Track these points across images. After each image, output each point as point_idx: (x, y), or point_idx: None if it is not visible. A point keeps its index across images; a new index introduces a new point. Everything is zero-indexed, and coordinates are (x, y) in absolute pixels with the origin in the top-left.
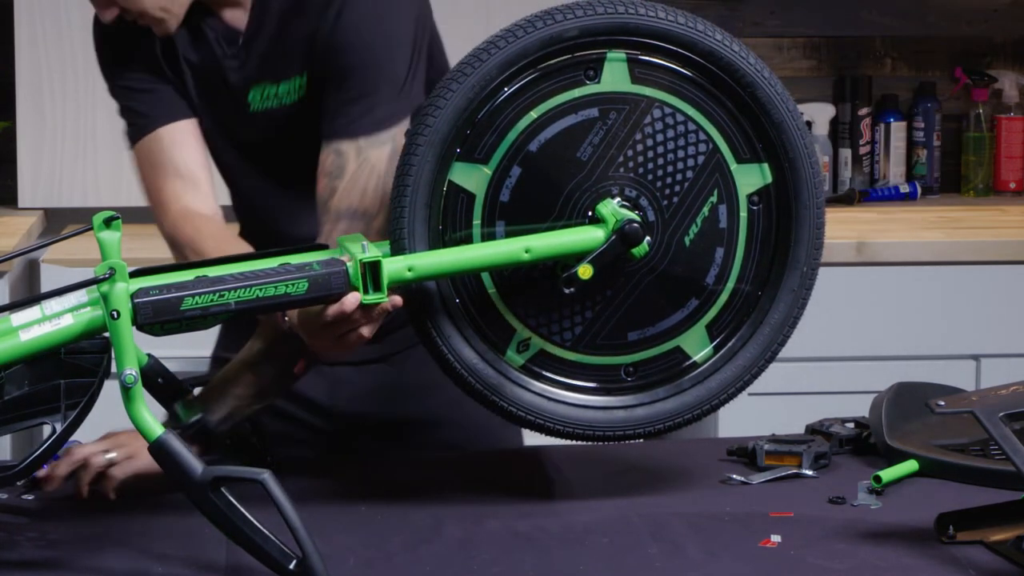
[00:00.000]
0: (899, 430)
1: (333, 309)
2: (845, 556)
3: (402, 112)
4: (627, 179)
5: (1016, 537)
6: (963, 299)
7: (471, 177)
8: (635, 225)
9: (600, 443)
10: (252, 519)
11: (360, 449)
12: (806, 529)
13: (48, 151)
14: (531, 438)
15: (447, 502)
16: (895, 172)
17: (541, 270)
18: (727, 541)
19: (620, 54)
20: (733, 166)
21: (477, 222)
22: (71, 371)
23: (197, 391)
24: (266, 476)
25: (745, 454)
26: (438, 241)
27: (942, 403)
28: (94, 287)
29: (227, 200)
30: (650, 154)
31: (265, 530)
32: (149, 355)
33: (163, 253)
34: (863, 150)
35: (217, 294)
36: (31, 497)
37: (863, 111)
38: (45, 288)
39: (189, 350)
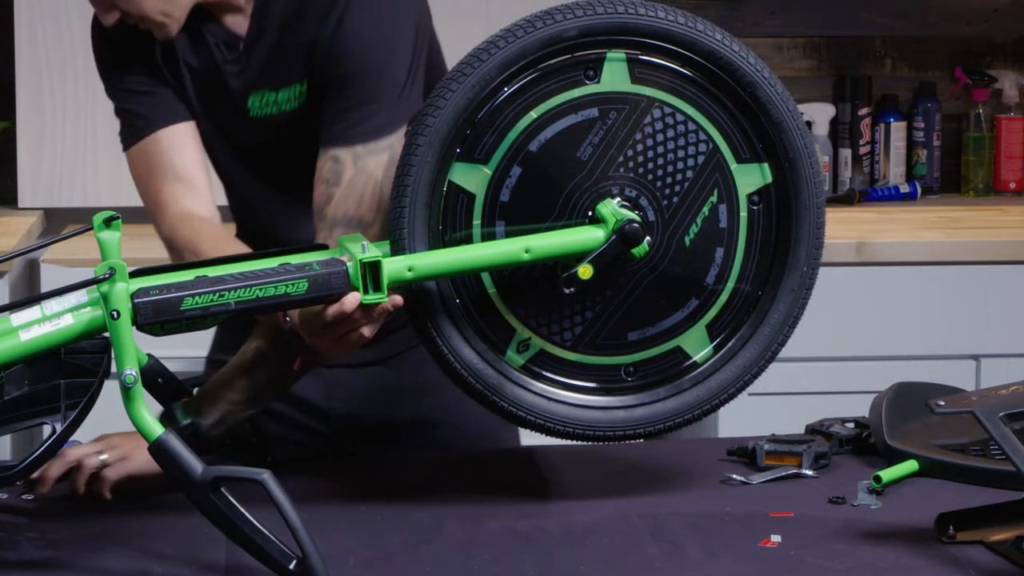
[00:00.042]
0: (899, 430)
1: (333, 309)
2: (845, 556)
3: (400, 120)
4: (627, 179)
5: (1016, 537)
6: (963, 299)
7: (471, 177)
8: (635, 225)
9: (600, 443)
10: (252, 519)
11: (357, 451)
12: (806, 529)
13: (48, 151)
14: (530, 438)
15: (447, 502)
16: (895, 172)
17: (541, 270)
18: (727, 541)
19: (620, 54)
20: (733, 166)
21: (477, 222)
22: (71, 371)
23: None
24: (266, 476)
25: (745, 454)
26: (438, 241)
27: (942, 403)
28: (94, 287)
29: (224, 200)
30: (650, 154)
31: (265, 530)
32: (149, 355)
33: (163, 253)
34: (863, 150)
35: (217, 294)
36: (31, 497)
37: (863, 111)
38: (45, 288)
39: (189, 350)
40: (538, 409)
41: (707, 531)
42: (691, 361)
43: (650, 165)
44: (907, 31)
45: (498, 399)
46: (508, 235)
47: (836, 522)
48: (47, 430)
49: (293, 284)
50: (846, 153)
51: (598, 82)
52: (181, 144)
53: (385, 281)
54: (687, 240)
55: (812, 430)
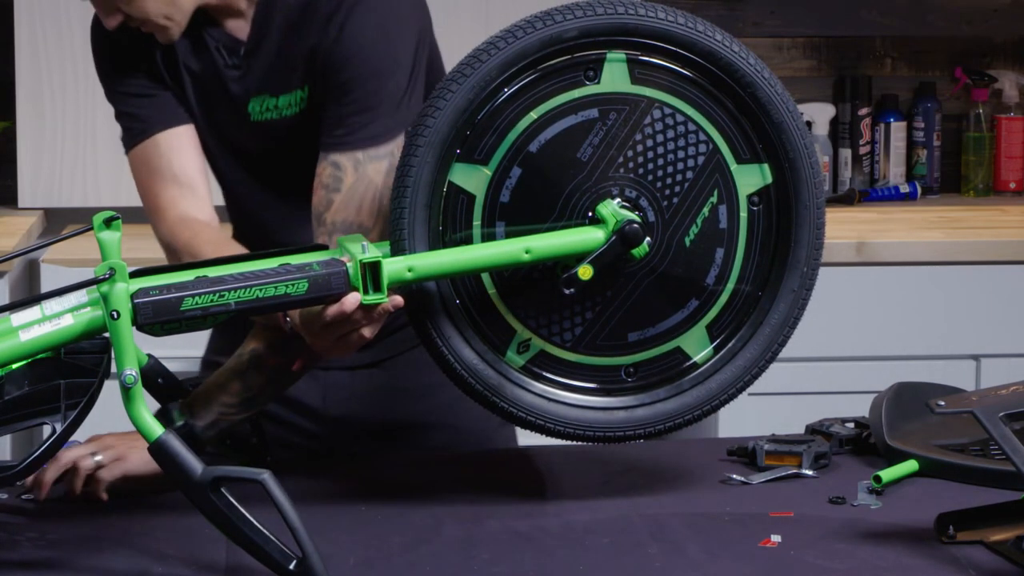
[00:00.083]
0: (899, 430)
1: (333, 309)
2: (845, 556)
3: (401, 127)
4: (627, 180)
5: (1016, 537)
6: (963, 299)
7: (471, 178)
8: (635, 226)
9: (600, 443)
10: (252, 519)
11: (352, 453)
12: (806, 529)
13: (48, 151)
14: (530, 439)
15: (447, 502)
16: (895, 172)
17: (541, 271)
18: (727, 541)
19: (620, 54)
20: (733, 166)
21: (477, 223)
22: (71, 371)
23: None
24: (266, 476)
25: (745, 454)
26: (438, 242)
27: (942, 403)
28: (94, 287)
29: (221, 200)
30: (650, 155)
31: (265, 530)
32: (149, 355)
33: (163, 253)
34: (863, 150)
35: (217, 294)
36: (31, 497)
37: (863, 111)
38: (45, 288)
39: (189, 350)
40: (538, 410)
41: (707, 531)
42: (691, 362)
43: (650, 166)
44: (907, 31)
45: (498, 400)
46: (508, 236)
47: (836, 522)
48: (47, 430)
49: (293, 284)
50: (846, 153)
51: (598, 83)
52: (180, 147)
53: (385, 281)
54: (687, 241)
55: (812, 430)
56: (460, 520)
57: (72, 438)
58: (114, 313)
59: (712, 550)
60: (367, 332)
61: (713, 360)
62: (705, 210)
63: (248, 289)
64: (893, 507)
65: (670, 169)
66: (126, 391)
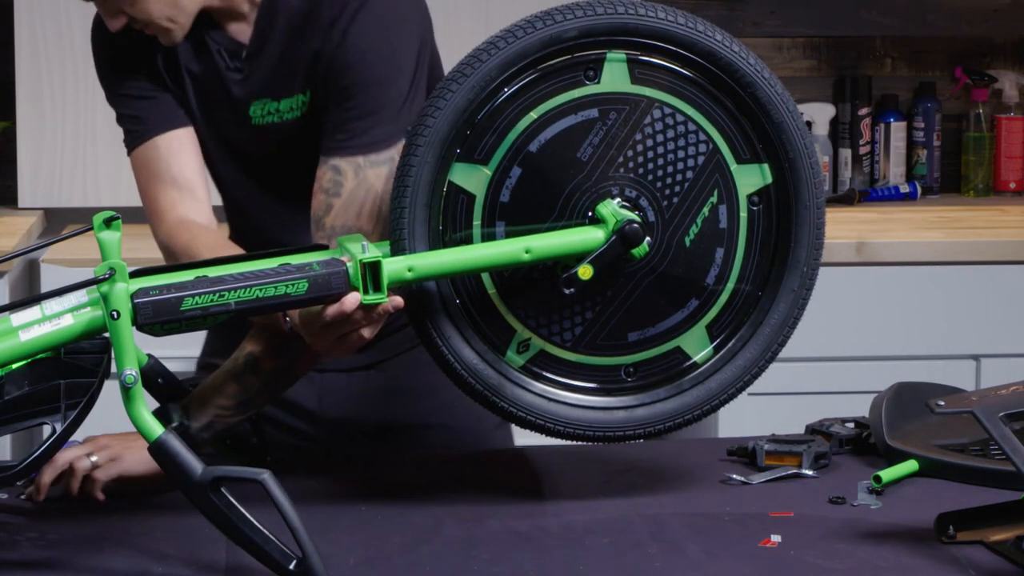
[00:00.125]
0: (899, 430)
1: (333, 309)
2: (845, 556)
3: (402, 132)
4: (627, 179)
5: (1016, 537)
6: (963, 299)
7: (471, 178)
8: (635, 225)
9: (600, 443)
10: (252, 519)
11: (349, 455)
12: (806, 529)
13: (48, 151)
14: (530, 438)
15: (446, 502)
16: (895, 172)
17: (541, 271)
18: (727, 541)
19: (620, 54)
20: (733, 166)
21: (477, 223)
22: (71, 371)
23: None
24: (266, 476)
25: (745, 454)
26: (438, 242)
27: (942, 403)
28: (94, 287)
29: (219, 200)
30: (650, 154)
31: (265, 530)
32: (149, 355)
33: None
34: (863, 150)
35: (217, 294)
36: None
37: (863, 111)
38: (45, 288)
39: (189, 350)
40: (538, 409)
41: (707, 531)
42: (691, 361)
43: (650, 166)
44: (907, 31)
45: (498, 399)
46: (508, 235)
47: (836, 522)
48: (47, 430)
49: (293, 284)
50: (846, 153)
51: (598, 83)
52: (179, 150)
53: (385, 281)
54: (687, 240)
55: (812, 430)
56: (460, 520)
57: (72, 438)
58: (114, 313)
59: (712, 550)
60: (367, 332)
61: (713, 360)
62: (705, 210)
63: (248, 289)
64: (893, 507)
65: (670, 169)
66: (126, 391)
